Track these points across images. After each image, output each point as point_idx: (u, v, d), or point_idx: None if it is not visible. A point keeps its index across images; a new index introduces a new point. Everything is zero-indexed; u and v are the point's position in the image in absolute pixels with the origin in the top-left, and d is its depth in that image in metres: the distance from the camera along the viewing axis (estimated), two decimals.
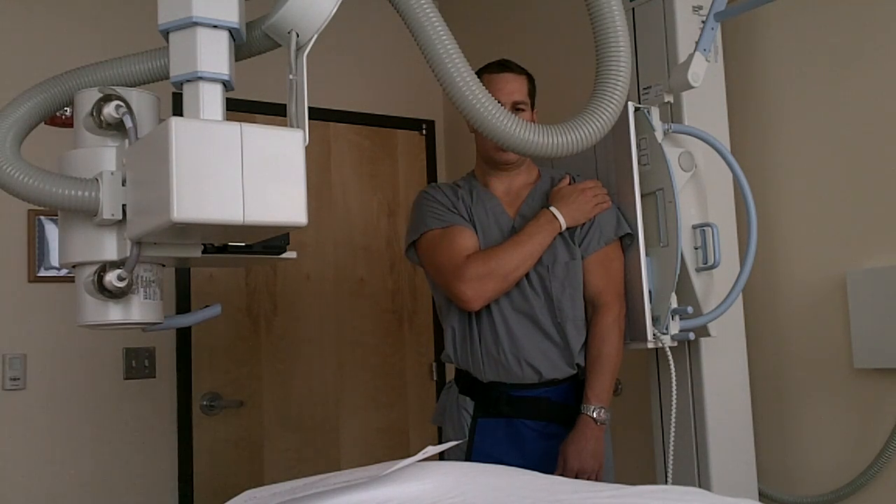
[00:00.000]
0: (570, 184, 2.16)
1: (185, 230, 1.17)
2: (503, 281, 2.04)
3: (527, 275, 2.07)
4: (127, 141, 1.22)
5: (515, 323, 2.08)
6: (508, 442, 2.08)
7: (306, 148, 1.17)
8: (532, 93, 2.18)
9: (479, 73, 2.08)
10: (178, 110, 1.27)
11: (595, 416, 2.03)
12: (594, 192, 2.13)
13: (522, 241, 2.05)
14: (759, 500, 2.25)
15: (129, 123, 1.21)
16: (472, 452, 2.08)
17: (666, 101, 2.18)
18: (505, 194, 2.19)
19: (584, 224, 2.10)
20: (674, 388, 2.10)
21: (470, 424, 2.12)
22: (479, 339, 2.10)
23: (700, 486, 2.10)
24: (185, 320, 1.57)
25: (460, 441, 2.07)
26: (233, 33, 1.23)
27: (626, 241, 2.16)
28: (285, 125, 1.22)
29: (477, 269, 2.03)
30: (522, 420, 2.09)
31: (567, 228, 2.08)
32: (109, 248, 1.24)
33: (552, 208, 2.08)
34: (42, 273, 2.89)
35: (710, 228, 2.14)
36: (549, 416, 2.09)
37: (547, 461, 2.01)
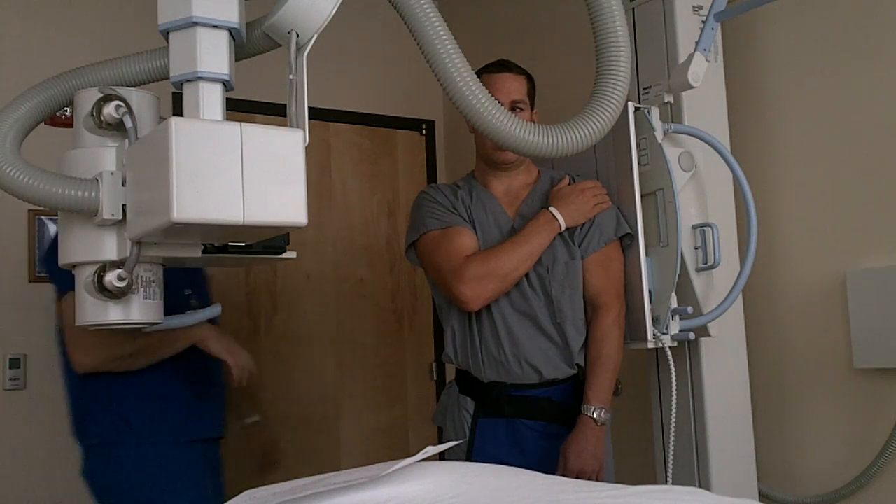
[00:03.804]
0: (569, 184, 2.16)
1: (185, 230, 1.17)
2: (502, 281, 2.04)
3: (526, 275, 2.07)
4: (127, 141, 1.22)
5: (515, 323, 2.08)
6: (509, 442, 2.08)
7: (306, 148, 1.17)
8: (531, 93, 2.18)
9: (479, 74, 2.07)
10: (178, 110, 1.27)
11: (595, 416, 2.02)
12: (594, 192, 2.12)
13: (522, 242, 2.05)
14: (759, 500, 2.25)
15: (129, 123, 1.21)
16: (473, 453, 2.08)
17: (666, 101, 2.18)
18: (504, 194, 2.20)
19: (583, 224, 2.10)
20: (674, 388, 2.09)
21: (470, 424, 2.12)
22: (479, 339, 2.10)
23: (700, 486, 2.10)
24: (184, 320, 1.57)
25: (460, 441, 2.07)
26: (233, 33, 1.23)
27: (626, 241, 2.15)
28: (285, 125, 1.22)
29: (476, 269, 2.03)
30: (523, 420, 2.09)
31: (567, 228, 2.08)
32: (109, 248, 1.24)
33: (551, 208, 2.08)
34: (42, 273, 2.89)
35: (710, 228, 2.14)
36: (551, 416, 2.09)
37: (548, 461, 2.01)
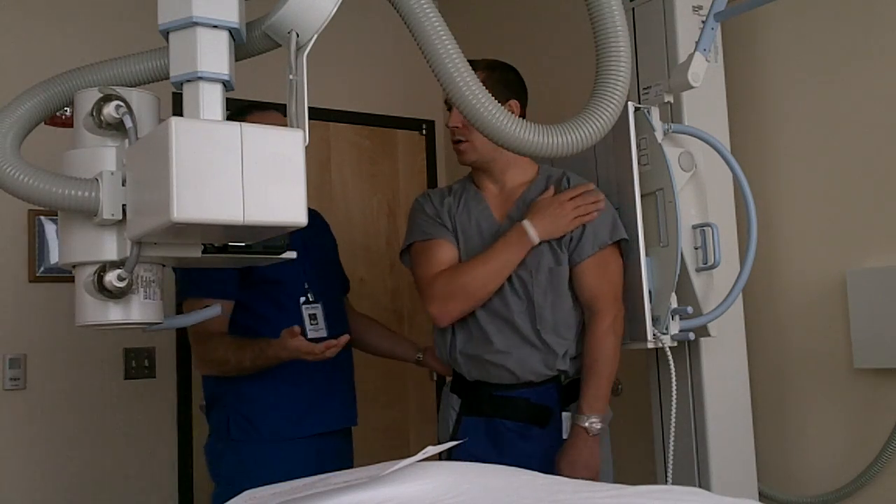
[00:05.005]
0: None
1: (185, 230, 1.17)
2: (469, 300, 2.05)
3: (509, 278, 2.05)
4: (127, 141, 1.22)
5: (489, 325, 2.07)
6: (488, 441, 2.08)
7: (306, 148, 1.17)
8: (493, 85, 2.08)
9: None
10: (178, 110, 1.27)
11: (587, 426, 1.99)
12: (574, 203, 2.05)
13: (490, 258, 2.03)
14: (759, 500, 2.25)
15: (129, 123, 1.21)
16: (454, 449, 2.07)
17: (666, 101, 2.18)
18: (497, 195, 2.17)
19: (577, 227, 2.06)
20: (674, 388, 2.09)
21: (455, 422, 2.14)
22: (458, 339, 2.12)
23: (700, 486, 2.10)
24: (184, 320, 1.57)
25: (460, 441, 2.07)
26: (233, 33, 1.23)
27: (624, 245, 2.12)
28: (285, 125, 1.22)
29: (442, 287, 2.05)
30: (502, 420, 2.09)
31: (542, 242, 2.03)
32: (109, 248, 1.24)
33: (525, 221, 2.04)
34: (42, 273, 2.89)
35: (710, 228, 2.14)
36: (528, 416, 2.07)
37: (525, 462, 1.99)
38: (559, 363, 2.06)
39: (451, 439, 2.09)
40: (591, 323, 2.06)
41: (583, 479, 1.97)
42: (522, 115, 2.11)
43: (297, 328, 2.05)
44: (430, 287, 2.08)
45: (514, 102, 2.12)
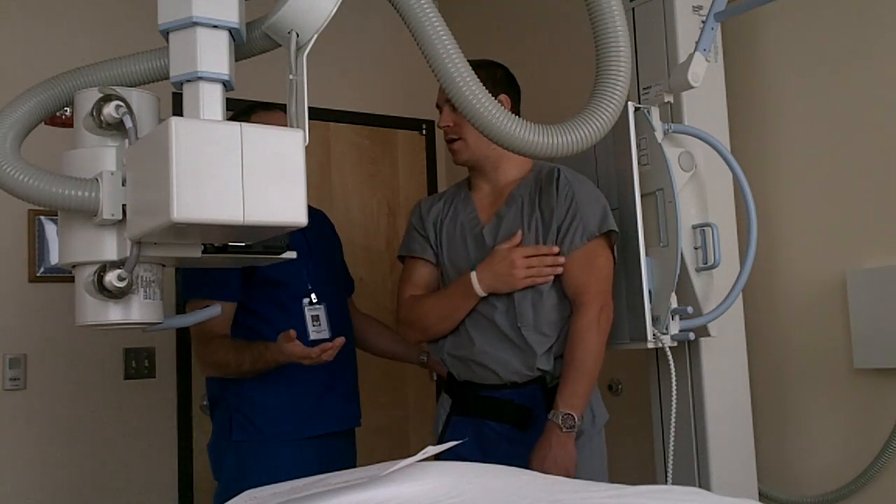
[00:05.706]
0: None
1: (185, 230, 1.17)
2: (426, 332, 2.14)
3: None
4: (127, 141, 1.22)
5: (473, 325, 2.07)
6: (474, 442, 2.06)
7: (306, 148, 1.17)
8: (488, 83, 2.08)
9: None
10: (178, 110, 1.27)
11: (560, 422, 1.92)
12: (529, 262, 1.99)
13: (442, 299, 2.10)
14: (759, 500, 2.25)
15: (129, 123, 1.21)
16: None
17: (666, 101, 2.18)
18: (489, 193, 2.16)
19: (565, 219, 2.03)
20: (674, 388, 2.09)
21: (444, 422, 2.14)
22: (446, 340, 2.12)
23: (700, 486, 2.10)
24: (184, 320, 1.58)
25: (460, 441, 2.07)
26: (233, 33, 1.23)
27: (615, 238, 2.09)
28: (285, 125, 1.22)
29: (406, 314, 2.16)
30: (488, 422, 2.08)
31: (490, 294, 2.02)
32: (109, 248, 1.24)
33: (473, 273, 2.02)
34: (42, 273, 2.89)
35: (710, 228, 2.14)
36: (511, 418, 2.05)
37: (507, 465, 1.99)
38: (539, 362, 2.01)
39: (440, 440, 2.09)
40: (574, 316, 2.01)
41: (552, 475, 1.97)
42: (516, 110, 2.13)
43: (293, 332, 2.04)
44: (399, 309, 2.19)
45: (503, 97, 2.10)
